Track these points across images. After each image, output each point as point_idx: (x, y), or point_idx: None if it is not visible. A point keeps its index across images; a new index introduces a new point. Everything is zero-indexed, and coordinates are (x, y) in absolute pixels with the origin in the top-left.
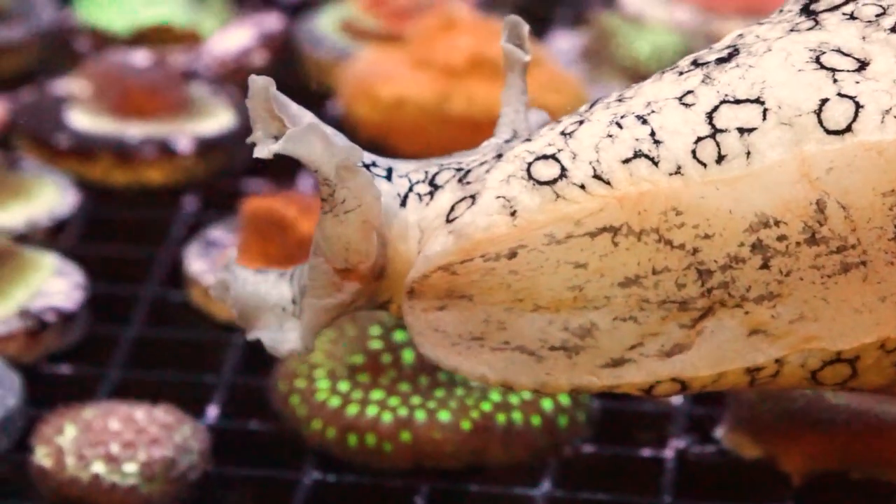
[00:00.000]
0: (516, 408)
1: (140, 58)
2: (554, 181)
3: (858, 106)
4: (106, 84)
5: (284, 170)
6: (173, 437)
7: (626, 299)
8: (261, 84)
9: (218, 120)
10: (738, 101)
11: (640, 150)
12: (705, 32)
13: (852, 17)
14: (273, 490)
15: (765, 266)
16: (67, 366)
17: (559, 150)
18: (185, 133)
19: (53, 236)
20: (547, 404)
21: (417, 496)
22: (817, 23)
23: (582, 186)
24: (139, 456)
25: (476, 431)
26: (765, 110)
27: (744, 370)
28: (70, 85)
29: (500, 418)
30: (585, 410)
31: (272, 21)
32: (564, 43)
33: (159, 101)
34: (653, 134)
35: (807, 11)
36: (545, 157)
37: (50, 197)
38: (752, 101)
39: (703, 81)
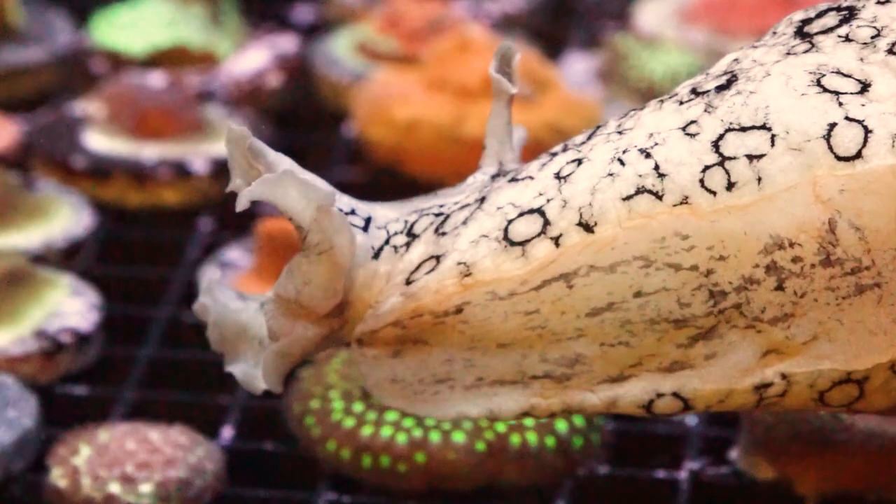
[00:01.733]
0: (531, 429)
1: (156, 79)
2: (528, 240)
3: (867, 130)
4: (122, 105)
5: None
6: (188, 458)
7: (601, 325)
8: (238, 133)
9: None
10: (744, 129)
11: (643, 186)
12: (719, 53)
13: (847, 39)
14: None
15: (779, 287)
16: (83, 386)
17: (548, 201)
18: (201, 154)
19: (69, 257)
20: (561, 426)
21: None
22: (813, 45)
23: (556, 238)
24: (154, 477)
25: (491, 453)
26: (772, 136)
27: (752, 388)
28: (86, 106)
29: (515, 440)
30: (600, 432)
31: (287, 43)
32: (579, 64)
33: (175, 123)
34: (657, 167)
35: (801, 34)
36: (531, 211)
37: (66, 218)
38: (758, 128)
39: (705, 111)
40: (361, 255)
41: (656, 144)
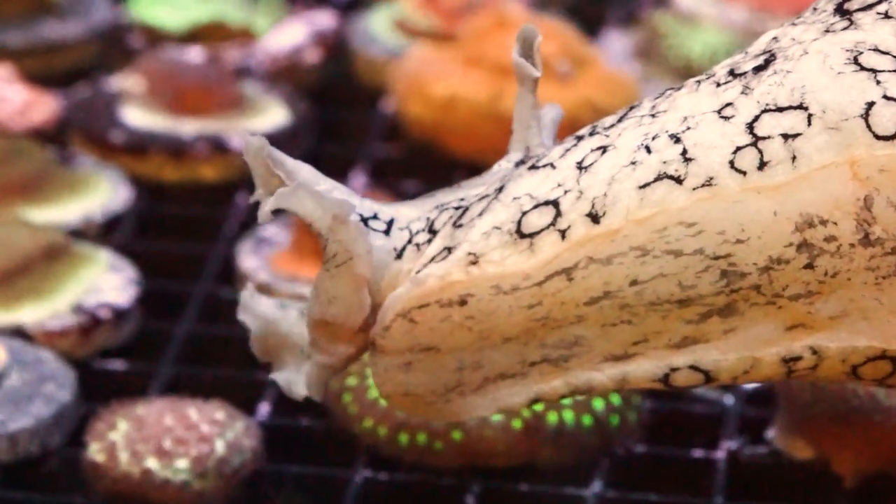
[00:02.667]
0: (568, 407)
1: (194, 55)
2: (537, 232)
3: None
4: (160, 81)
5: (337, 166)
6: (225, 434)
7: (600, 310)
8: (256, 144)
9: (271, 117)
10: (780, 109)
11: (664, 173)
12: (758, 32)
13: (887, 16)
14: (324, 488)
15: (809, 266)
16: (120, 361)
17: (565, 192)
18: (238, 130)
19: (107, 232)
20: (598, 404)
21: (468, 495)
22: (852, 22)
23: (564, 231)
24: (191, 452)
25: (527, 431)
26: (809, 116)
27: (779, 360)
28: (124, 82)
29: (552, 418)
30: (637, 411)
31: (325, 19)
32: (617, 42)
33: (213, 98)
34: (684, 152)
35: (840, 11)
36: (547, 203)
37: (104, 193)
38: (794, 108)
39: (742, 92)
40: (384, 258)
41: (688, 129)
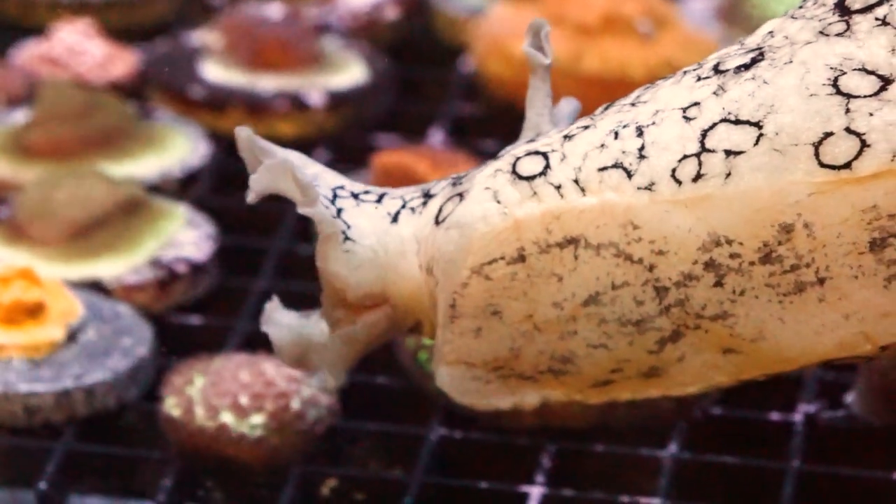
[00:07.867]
0: None
1: (273, 11)
2: (533, 177)
3: (864, 145)
4: (239, 36)
5: (416, 124)
6: (301, 390)
7: (588, 320)
8: (245, 135)
9: (350, 74)
10: (737, 122)
11: (619, 162)
12: None
13: (884, 22)
14: (399, 445)
15: (719, 284)
16: (197, 316)
17: (552, 151)
18: (317, 86)
19: (185, 187)
20: None
21: (543, 455)
22: (849, 27)
23: (558, 187)
24: (267, 407)
25: None
26: (759, 136)
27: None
28: (204, 37)
29: None
30: None
31: None
32: (699, 3)
33: (292, 55)
34: (642, 148)
35: (841, 7)
36: (536, 153)
37: (182, 148)
38: (750, 124)
39: (714, 93)
40: (379, 223)
41: (653, 124)
